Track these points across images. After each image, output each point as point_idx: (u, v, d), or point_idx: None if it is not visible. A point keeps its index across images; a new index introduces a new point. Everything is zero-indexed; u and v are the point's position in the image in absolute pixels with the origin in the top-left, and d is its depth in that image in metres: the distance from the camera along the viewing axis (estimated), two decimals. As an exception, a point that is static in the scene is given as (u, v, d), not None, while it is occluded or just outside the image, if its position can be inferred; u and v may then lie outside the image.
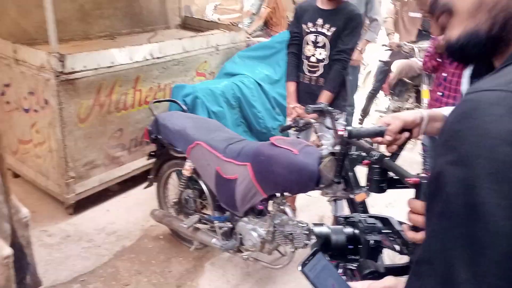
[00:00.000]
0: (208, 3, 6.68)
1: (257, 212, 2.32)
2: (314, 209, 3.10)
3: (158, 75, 3.39)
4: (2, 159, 1.83)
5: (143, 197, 3.15)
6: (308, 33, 2.68)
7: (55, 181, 3.04)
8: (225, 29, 4.26)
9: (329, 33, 2.61)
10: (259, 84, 3.61)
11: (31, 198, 3.13)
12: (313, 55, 2.69)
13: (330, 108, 2.14)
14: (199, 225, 2.57)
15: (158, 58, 3.33)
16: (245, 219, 2.32)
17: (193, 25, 4.73)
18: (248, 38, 4.38)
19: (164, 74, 3.43)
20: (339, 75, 2.64)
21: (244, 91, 3.50)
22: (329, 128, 2.32)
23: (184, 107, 2.93)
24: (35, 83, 2.90)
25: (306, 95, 2.72)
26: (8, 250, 1.78)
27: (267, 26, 5.27)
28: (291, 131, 2.53)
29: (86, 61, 2.86)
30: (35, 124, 3.02)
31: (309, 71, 2.72)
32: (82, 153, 3.00)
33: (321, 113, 2.18)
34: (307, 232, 2.13)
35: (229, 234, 2.44)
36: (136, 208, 3.13)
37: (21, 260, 2.00)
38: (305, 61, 2.72)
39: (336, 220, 2.14)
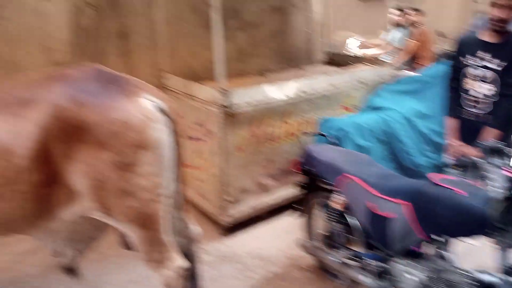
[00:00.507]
0: (348, 38, 6.77)
1: (412, 254, 2.22)
2: (472, 257, 2.83)
3: (306, 109, 3.54)
4: (183, 181, 2.09)
5: (289, 226, 3.25)
6: (470, 67, 2.54)
7: (213, 204, 3.34)
8: (370, 63, 4.27)
9: (498, 68, 2.44)
10: (409, 119, 3.50)
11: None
12: (476, 90, 2.53)
13: (504, 146, 1.98)
14: (347, 261, 2.54)
15: (306, 93, 3.49)
16: (399, 260, 2.23)
17: (337, 60, 4.84)
18: (394, 72, 4.31)
19: (311, 108, 3.57)
20: (508, 112, 2.43)
21: (393, 126, 3.43)
22: (499, 168, 2.14)
23: (333, 140, 2.99)
24: (202, 115, 3.27)
25: (469, 132, 2.56)
26: (187, 263, 2.00)
27: (413, 59, 5.13)
28: (452, 170, 2.39)
29: (246, 97, 3.14)
30: (199, 151, 3.38)
31: (472, 107, 2.56)
32: (237, 180, 3.26)
33: (491, 151, 2.03)
34: (470, 282, 1.96)
35: (380, 273, 2.36)
36: (283, 236, 3.25)
37: (193, 272, 2.23)
38: (468, 96, 2.57)
39: (505, 271, 1.94)
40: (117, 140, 1.72)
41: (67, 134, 1.72)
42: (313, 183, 2.74)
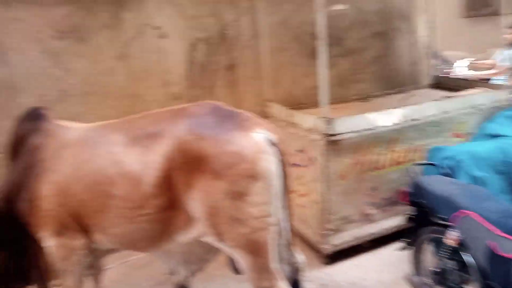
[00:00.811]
0: (457, 59, 6.37)
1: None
2: None
3: (413, 136, 3.39)
4: (290, 209, 2.14)
5: (393, 258, 3.12)
6: None
7: (314, 231, 3.33)
8: (483, 86, 3.97)
9: None
10: (531, 148, 3.16)
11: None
12: None
13: None
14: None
15: (414, 120, 3.35)
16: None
17: (445, 83, 4.58)
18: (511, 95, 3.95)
19: (419, 135, 3.41)
20: None
21: (512, 155, 3.12)
22: None
23: (445, 171, 2.82)
24: (304, 142, 3.31)
25: None
26: (294, 292, 2.03)
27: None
28: None
29: (350, 124, 3.11)
30: (301, 177, 3.41)
31: None
32: (339, 208, 3.22)
33: None
34: None
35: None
36: (386, 268, 3.12)
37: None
38: None
39: None
40: (231, 170, 1.84)
41: (187, 164, 1.89)
42: (423, 216, 2.60)
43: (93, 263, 2.61)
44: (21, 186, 2.25)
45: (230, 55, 3.83)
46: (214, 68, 3.76)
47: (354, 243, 3.33)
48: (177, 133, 1.94)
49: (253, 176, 1.86)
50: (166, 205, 1.99)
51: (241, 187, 1.86)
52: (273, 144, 1.96)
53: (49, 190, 2.16)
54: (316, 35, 3.01)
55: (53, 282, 2.50)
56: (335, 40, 3.96)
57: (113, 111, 3.47)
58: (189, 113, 2.02)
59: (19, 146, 2.30)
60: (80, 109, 3.38)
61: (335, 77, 4.28)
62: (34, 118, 2.35)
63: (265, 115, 3.83)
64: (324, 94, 3.06)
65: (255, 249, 1.94)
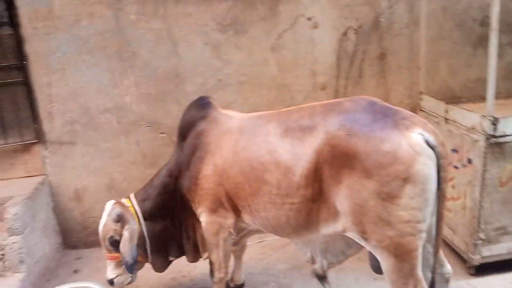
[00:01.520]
0: None
1: None
2: None
3: None
4: (443, 217, 2.00)
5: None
6: None
7: (462, 238, 3.07)
8: None
9: None
10: None
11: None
12: None
13: None
14: None
15: None
16: None
17: None
18: None
19: None
20: None
21: None
22: None
23: None
24: (461, 142, 3.03)
25: None
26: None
27: None
28: None
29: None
30: (452, 179, 3.15)
31: None
32: (495, 217, 2.90)
33: None
34: None
35: None
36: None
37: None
38: None
39: None
40: (383, 171, 1.79)
41: (337, 160, 1.91)
42: None
43: (238, 241, 2.84)
44: (186, 165, 2.57)
45: (381, 44, 3.68)
46: (364, 57, 3.67)
47: (508, 257, 2.98)
48: (329, 128, 1.97)
49: (407, 178, 1.79)
50: (312, 196, 2.06)
51: (392, 188, 1.80)
52: (432, 146, 1.85)
53: (209, 171, 2.43)
54: (485, 22, 2.70)
55: (204, 253, 2.81)
56: (506, 27, 3.50)
57: (263, 100, 3.68)
58: (343, 108, 2.03)
59: (187, 129, 2.62)
60: (234, 97, 3.65)
61: (503, 69, 3.81)
62: (202, 105, 2.65)
63: (415, 108, 3.63)
64: (491, 88, 2.75)
65: (401, 253, 1.88)
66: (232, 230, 2.53)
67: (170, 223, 2.82)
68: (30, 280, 3.09)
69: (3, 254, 3.00)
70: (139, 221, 2.74)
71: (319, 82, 3.68)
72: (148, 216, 2.77)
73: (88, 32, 3.43)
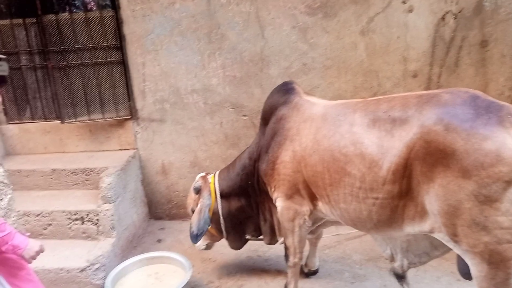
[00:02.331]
0: None
1: None
2: None
3: None
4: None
5: None
6: None
7: None
8: None
9: None
10: None
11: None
12: None
13: None
14: None
15: None
16: None
17: None
18: None
19: None
20: None
21: None
22: None
23: None
24: None
25: None
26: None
27: None
28: None
29: None
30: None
31: None
32: None
33: None
34: None
35: None
36: None
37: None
38: None
39: None
40: (484, 171, 1.64)
41: (432, 156, 1.78)
42: None
43: (315, 230, 2.81)
44: (265, 149, 2.58)
45: (483, 30, 3.35)
46: (462, 44, 3.38)
47: None
48: (424, 121, 1.82)
49: (510, 181, 1.62)
50: (398, 193, 1.94)
51: (493, 191, 1.64)
52: None
53: (287, 157, 2.40)
54: None
55: (280, 237, 2.83)
56: None
57: (348, 85, 3.56)
58: (441, 100, 1.85)
59: (270, 114, 2.60)
60: (318, 82, 3.57)
61: None
62: (285, 91, 2.60)
63: (517, 102, 3.28)
64: None
65: (496, 261, 1.73)
66: (307, 218, 2.49)
67: (246, 204, 2.88)
68: (120, 245, 3.36)
69: (97, 220, 3.28)
70: (215, 198, 2.87)
71: (410, 69, 3.47)
72: (225, 195, 2.88)
73: (181, 14, 3.54)
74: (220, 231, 2.99)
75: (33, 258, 1.97)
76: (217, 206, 2.88)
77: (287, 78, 3.58)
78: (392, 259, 2.47)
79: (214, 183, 2.91)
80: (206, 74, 3.66)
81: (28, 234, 2.04)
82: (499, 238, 1.68)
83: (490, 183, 1.64)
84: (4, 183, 2.03)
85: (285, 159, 2.41)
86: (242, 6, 3.48)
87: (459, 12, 3.32)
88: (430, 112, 1.83)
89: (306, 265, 3.10)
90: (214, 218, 2.88)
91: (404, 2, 3.33)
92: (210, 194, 2.87)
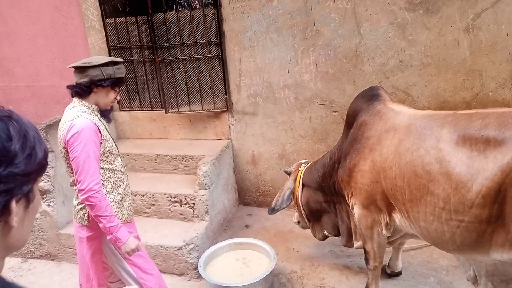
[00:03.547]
0: None
1: None
2: None
3: None
4: None
5: None
6: None
7: None
8: None
9: None
10: None
11: None
12: None
13: None
14: None
15: None
16: None
17: None
18: None
19: None
20: None
21: None
22: None
23: None
24: None
25: None
26: None
27: None
28: None
29: None
30: None
31: None
32: None
33: None
34: None
35: None
36: None
37: None
38: None
39: None
40: None
41: None
42: None
43: (394, 241, 2.67)
44: (345, 154, 2.50)
45: None
46: None
47: None
48: None
49: None
50: (488, 218, 1.78)
51: None
52: None
53: (366, 166, 2.29)
54: None
55: (357, 242, 2.77)
56: None
57: (447, 84, 3.33)
58: None
59: (353, 118, 2.50)
60: (415, 79, 3.38)
61: None
62: (369, 96, 2.47)
63: None
64: None
65: None
66: (384, 227, 2.37)
67: (323, 200, 2.90)
68: (212, 228, 3.56)
69: (194, 203, 3.50)
70: (299, 184, 3.02)
71: (518, 70, 3.14)
72: (306, 185, 3.00)
73: (277, 11, 3.56)
74: (303, 216, 3.13)
75: (128, 254, 2.12)
76: (297, 193, 3.04)
77: (382, 75, 3.44)
78: (475, 281, 2.28)
79: (302, 172, 3.05)
80: (299, 70, 3.65)
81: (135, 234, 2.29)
82: None
83: None
84: (121, 172, 2.26)
85: (364, 168, 2.31)
86: (339, 2, 3.39)
87: None
88: None
89: (388, 266, 3.03)
90: (297, 203, 3.09)
91: (518, -3, 2.99)
92: (295, 180, 3.06)
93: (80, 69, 2.12)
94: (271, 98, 3.82)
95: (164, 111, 4.08)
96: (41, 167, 0.77)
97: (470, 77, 3.26)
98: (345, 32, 3.45)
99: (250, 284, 2.77)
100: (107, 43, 4.13)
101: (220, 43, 3.78)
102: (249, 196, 4.25)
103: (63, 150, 2.11)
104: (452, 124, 1.95)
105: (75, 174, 2.03)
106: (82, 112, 2.10)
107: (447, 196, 1.87)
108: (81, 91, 2.13)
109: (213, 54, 3.85)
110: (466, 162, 1.82)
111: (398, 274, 3.02)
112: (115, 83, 2.20)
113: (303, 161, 3.18)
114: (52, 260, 3.71)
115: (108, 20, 4.07)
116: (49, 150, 0.83)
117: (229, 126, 4.05)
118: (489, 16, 3.09)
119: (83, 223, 2.20)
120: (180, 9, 3.83)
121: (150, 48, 4.03)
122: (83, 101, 2.16)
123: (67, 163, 2.15)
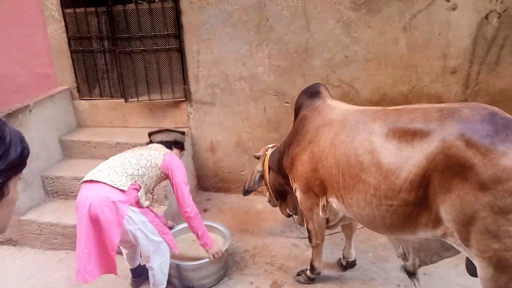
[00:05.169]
0: None
1: None
2: None
3: None
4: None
5: None
6: None
7: None
8: None
9: None
10: None
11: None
12: None
13: None
14: None
15: None
16: None
17: None
18: None
19: None
20: None
21: None
22: None
23: None
24: None
25: None
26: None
27: None
28: None
29: None
30: None
31: None
32: None
33: None
34: None
35: None
36: None
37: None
38: None
39: None
40: (500, 185, 1.67)
41: (450, 169, 1.80)
42: None
43: (336, 224, 2.80)
44: (288, 144, 2.66)
45: (527, 29, 3.18)
46: (504, 43, 3.23)
47: None
48: (446, 136, 1.82)
49: (524, 195, 1.63)
50: (414, 201, 1.95)
51: (507, 204, 1.67)
52: None
53: (306, 156, 2.45)
54: None
55: (299, 219, 2.96)
56: None
57: (387, 78, 3.54)
58: (462, 116, 1.85)
59: (296, 112, 2.69)
60: (358, 74, 3.57)
61: None
62: (311, 93, 2.64)
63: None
64: None
65: (502, 266, 1.77)
66: (322, 209, 2.52)
67: (284, 182, 3.03)
68: (171, 212, 3.64)
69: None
70: (267, 167, 3.16)
71: (449, 66, 3.38)
72: (271, 168, 3.13)
73: (233, 7, 3.63)
74: (272, 196, 3.27)
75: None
76: (265, 175, 3.17)
77: (329, 69, 3.61)
78: (404, 257, 2.49)
79: (268, 156, 3.17)
80: (253, 63, 3.76)
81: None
82: (508, 246, 1.72)
83: (506, 196, 1.67)
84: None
85: (303, 158, 2.46)
86: (290, 0, 3.50)
87: (504, 11, 3.16)
88: (451, 127, 1.83)
89: (343, 257, 3.09)
90: (266, 183, 3.23)
91: (448, 1, 3.21)
92: (263, 164, 3.20)
93: None
94: (228, 89, 3.90)
95: (124, 100, 4.08)
96: (15, 166, 0.85)
97: (407, 72, 3.48)
98: (296, 28, 3.57)
99: (204, 262, 2.89)
100: (67, 32, 4.06)
101: (178, 35, 3.81)
102: (207, 182, 4.35)
103: None
104: (383, 118, 2.10)
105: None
106: None
107: (378, 183, 2.02)
108: None
109: (172, 46, 3.87)
110: (395, 152, 1.97)
111: (353, 264, 3.08)
112: None
113: (270, 145, 3.29)
114: (14, 245, 3.68)
115: (67, 10, 4.00)
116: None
117: (188, 115, 4.11)
118: (424, 17, 3.30)
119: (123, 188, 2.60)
120: (140, 1, 3.81)
121: (110, 39, 4.00)
122: None
123: None
